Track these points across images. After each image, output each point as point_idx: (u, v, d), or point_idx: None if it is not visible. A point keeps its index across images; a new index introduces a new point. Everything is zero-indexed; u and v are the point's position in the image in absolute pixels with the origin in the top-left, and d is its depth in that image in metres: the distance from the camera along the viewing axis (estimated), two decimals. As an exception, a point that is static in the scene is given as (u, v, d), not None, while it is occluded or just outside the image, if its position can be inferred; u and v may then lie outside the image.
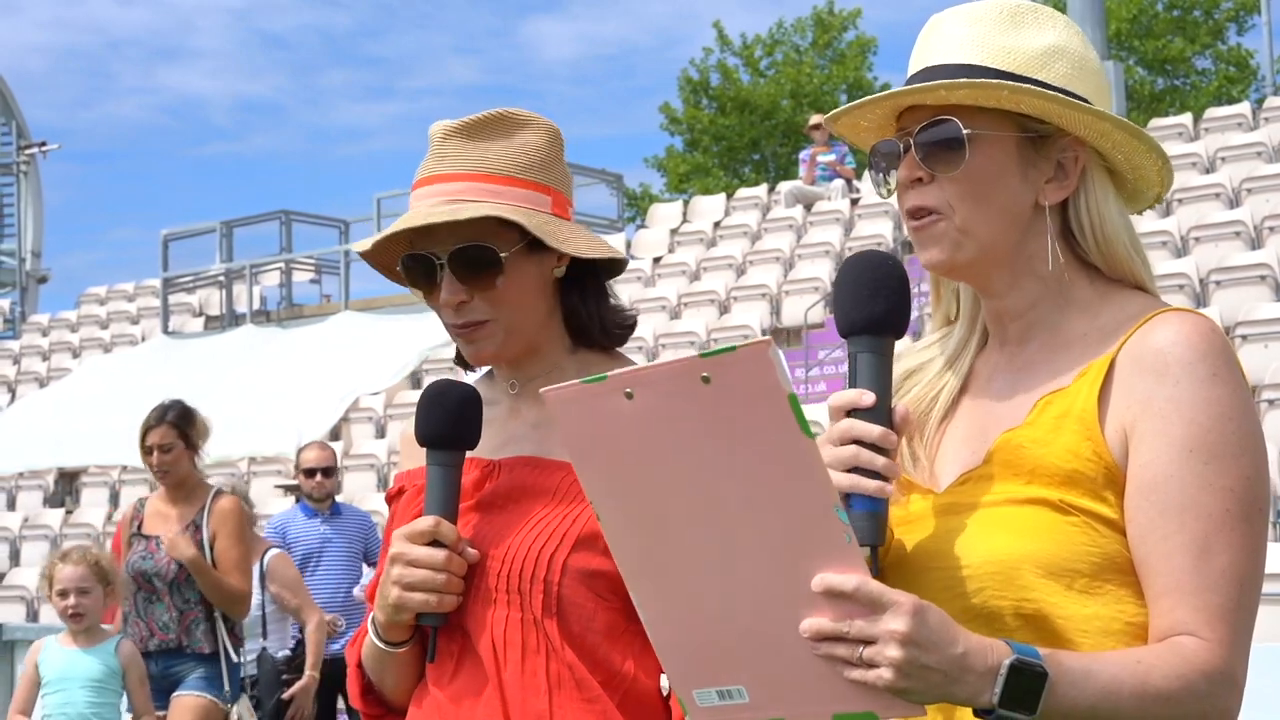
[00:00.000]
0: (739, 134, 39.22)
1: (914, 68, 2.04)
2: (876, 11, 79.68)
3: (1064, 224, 2.00)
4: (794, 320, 16.38)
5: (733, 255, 18.61)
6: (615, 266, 2.46)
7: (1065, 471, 1.86)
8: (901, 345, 1.95)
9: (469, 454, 2.38)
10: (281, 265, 23.71)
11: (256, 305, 23.15)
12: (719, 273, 18.16)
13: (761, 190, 21.48)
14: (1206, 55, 39.09)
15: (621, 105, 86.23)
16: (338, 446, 17.05)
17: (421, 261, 2.35)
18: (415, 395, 16.45)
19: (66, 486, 18.93)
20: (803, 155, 20.84)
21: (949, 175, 1.94)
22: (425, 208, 2.32)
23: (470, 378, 2.56)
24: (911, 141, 1.97)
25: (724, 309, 17.15)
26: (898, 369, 2.04)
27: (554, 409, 1.78)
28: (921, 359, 2.11)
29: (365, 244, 2.42)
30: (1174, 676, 1.76)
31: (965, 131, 1.93)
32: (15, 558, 17.00)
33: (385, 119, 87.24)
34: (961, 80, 1.93)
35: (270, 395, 18.58)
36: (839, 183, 19.60)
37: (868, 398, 1.84)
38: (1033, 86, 1.93)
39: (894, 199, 2.04)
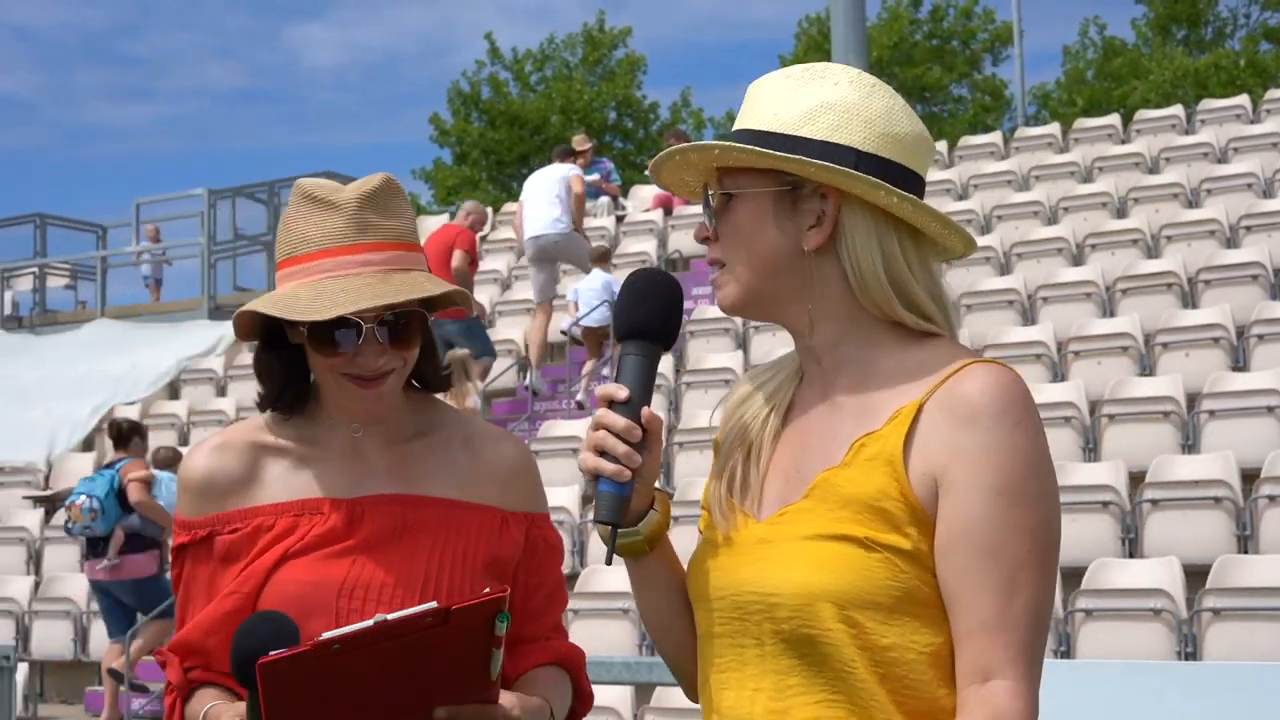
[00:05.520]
0: (508, 148, 39.28)
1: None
2: (646, 30, 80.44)
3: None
4: (556, 335, 16.46)
5: (498, 269, 18.63)
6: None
7: (874, 510, 2.00)
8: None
9: (324, 495, 2.52)
10: (35, 270, 23.08)
11: (8, 310, 22.48)
12: (484, 286, 18.15)
13: (529, 205, 21.46)
14: (963, 84, 40.30)
15: (388, 114, 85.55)
16: (91, 458, 16.65)
17: (345, 325, 2.43)
18: (172, 405, 16.20)
19: None
20: (568, 172, 20.94)
21: (721, 229, 2.14)
22: (378, 278, 2.44)
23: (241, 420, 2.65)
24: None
25: (488, 324, 17.14)
26: (735, 395, 2.25)
27: None
28: (755, 384, 2.25)
29: (309, 311, 2.41)
30: None
31: (725, 191, 2.13)
32: None
33: (145, 121, 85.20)
34: (686, 145, 2.15)
35: (21, 403, 18.06)
36: (605, 200, 19.75)
37: (621, 392, 2.09)
38: (747, 146, 2.09)
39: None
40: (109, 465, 12.03)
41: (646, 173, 21.98)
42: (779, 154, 2.07)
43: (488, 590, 2.18)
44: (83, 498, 11.53)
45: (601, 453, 2.07)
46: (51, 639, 13.25)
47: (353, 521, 2.49)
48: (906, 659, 1.98)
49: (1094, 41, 40.80)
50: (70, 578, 13.87)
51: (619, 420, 2.07)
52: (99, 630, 12.96)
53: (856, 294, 2.09)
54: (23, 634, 13.34)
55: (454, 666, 2.23)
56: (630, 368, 2.11)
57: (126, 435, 12.06)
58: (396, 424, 2.58)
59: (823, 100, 2.10)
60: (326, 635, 2.08)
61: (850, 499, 2.01)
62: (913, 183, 2.11)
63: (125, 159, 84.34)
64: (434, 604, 2.12)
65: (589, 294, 15.19)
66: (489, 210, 18.72)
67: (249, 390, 16.70)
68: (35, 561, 14.72)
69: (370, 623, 2.08)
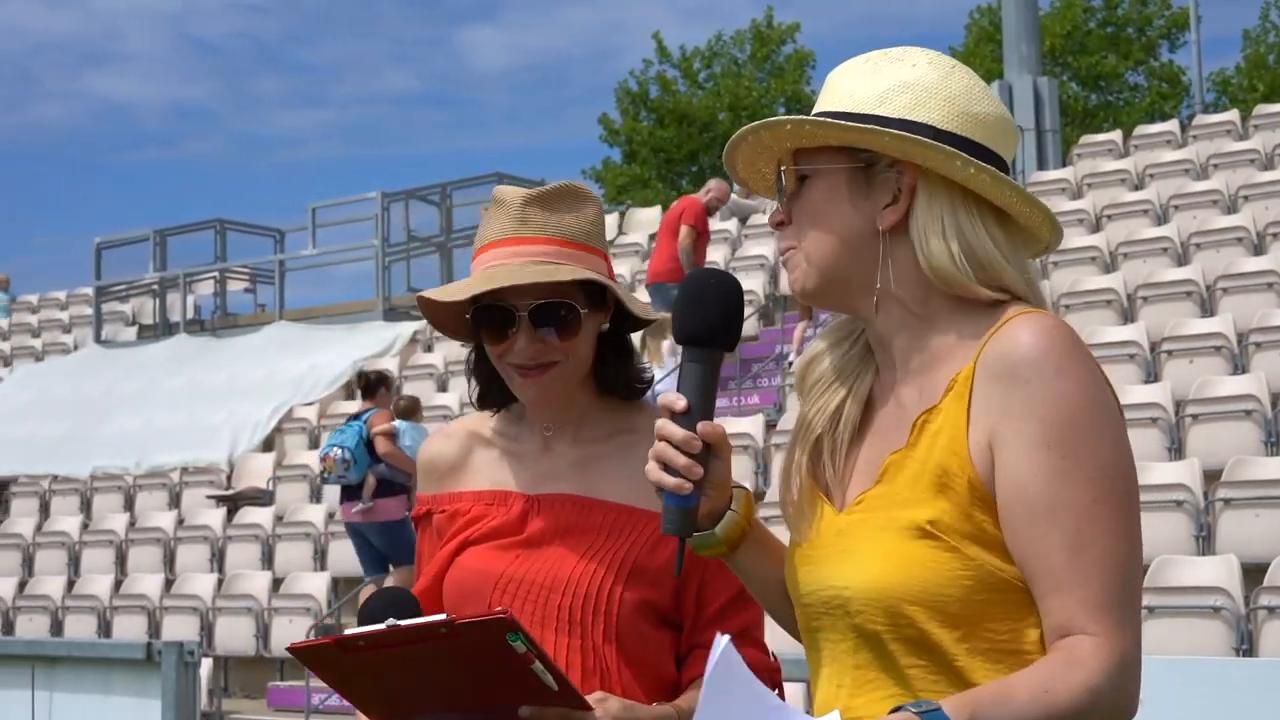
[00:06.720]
0: (677, 146, 39.32)
1: None
2: (815, 25, 79.98)
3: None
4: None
5: (727, 229, 18.62)
6: (642, 324, 2.69)
7: (939, 488, 1.93)
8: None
9: (513, 489, 2.65)
10: (216, 274, 23.59)
11: (190, 314, 22.98)
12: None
13: (697, 203, 21.49)
14: (1139, 71, 39.51)
15: (557, 116, 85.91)
16: (270, 458, 16.99)
17: (499, 312, 2.57)
18: (349, 406, 16.44)
19: (-4, 496, 18.77)
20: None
21: (795, 211, 2.07)
22: (517, 265, 2.56)
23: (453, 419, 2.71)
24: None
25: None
26: (809, 375, 2.16)
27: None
28: (824, 361, 2.16)
29: (451, 292, 2.59)
30: (1080, 690, 1.81)
31: (798, 169, 2.06)
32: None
33: (319, 127, 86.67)
34: (757, 124, 2.07)
35: (204, 405, 18.48)
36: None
37: (680, 403, 2.03)
38: (819, 119, 2.02)
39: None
40: (356, 416, 12.62)
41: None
42: (851, 125, 2.00)
43: (500, 610, 2.22)
44: (336, 450, 12.15)
45: (664, 465, 2.02)
46: (234, 635, 13.56)
47: (526, 517, 2.62)
48: (980, 649, 1.90)
49: (1275, 25, 39.75)
50: (252, 575, 14.19)
51: (677, 432, 2.02)
52: (280, 626, 13.24)
53: (928, 274, 2.00)
54: (207, 630, 13.68)
55: (502, 674, 2.26)
56: (689, 376, 2.05)
57: (374, 386, 12.82)
58: (588, 425, 2.67)
59: (900, 80, 2.04)
60: (350, 632, 2.23)
61: (916, 478, 1.95)
62: (994, 164, 2.01)
63: (299, 164, 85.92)
64: (442, 616, 2.20)
65: None
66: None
67: (423, 389, 16.97)
68: (219, 559, 15.07)
69: (384, 626, 2.19)
